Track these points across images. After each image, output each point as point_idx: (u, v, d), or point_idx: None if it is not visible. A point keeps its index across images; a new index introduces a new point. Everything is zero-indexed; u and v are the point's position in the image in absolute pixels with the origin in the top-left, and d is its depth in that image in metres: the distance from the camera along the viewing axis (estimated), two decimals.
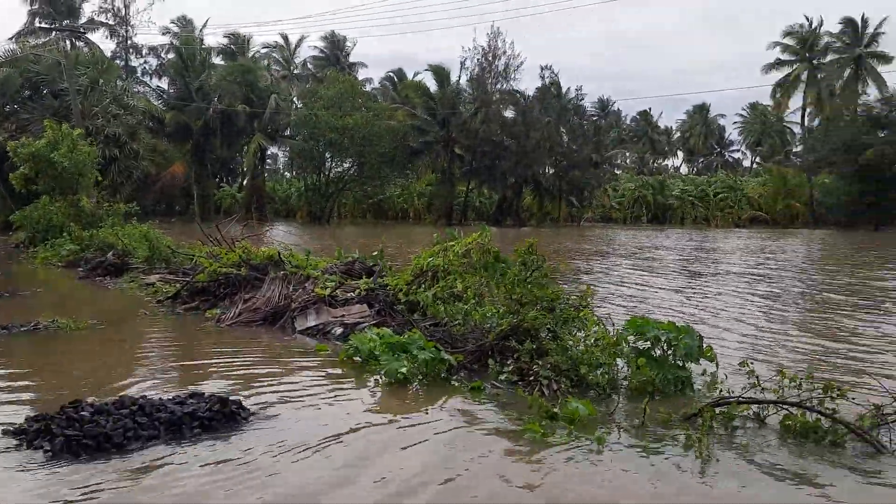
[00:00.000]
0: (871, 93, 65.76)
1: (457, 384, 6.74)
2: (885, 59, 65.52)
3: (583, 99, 60.57)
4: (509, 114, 58.72)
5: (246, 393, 6.34)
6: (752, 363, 6.23)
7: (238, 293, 11.03)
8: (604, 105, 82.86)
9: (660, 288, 15.77)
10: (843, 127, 61.84)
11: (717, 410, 5.63)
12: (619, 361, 6.86)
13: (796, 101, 71.60)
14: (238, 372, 7.29)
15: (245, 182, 62.02)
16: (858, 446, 5.18)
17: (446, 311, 8.77)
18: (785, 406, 5.60)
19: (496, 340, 7.35)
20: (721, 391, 6.14)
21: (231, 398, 5.75)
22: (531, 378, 6.51)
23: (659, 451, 5.09)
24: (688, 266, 22.23)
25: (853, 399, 5.51)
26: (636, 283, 16.41)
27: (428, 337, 7.62)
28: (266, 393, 6.42)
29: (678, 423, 5.62)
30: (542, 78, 58.65)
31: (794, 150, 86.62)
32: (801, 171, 68.06)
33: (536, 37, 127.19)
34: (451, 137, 57.52)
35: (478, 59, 57.20)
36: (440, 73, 59.16)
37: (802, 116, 72.03)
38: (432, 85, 60.19)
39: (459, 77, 58.82)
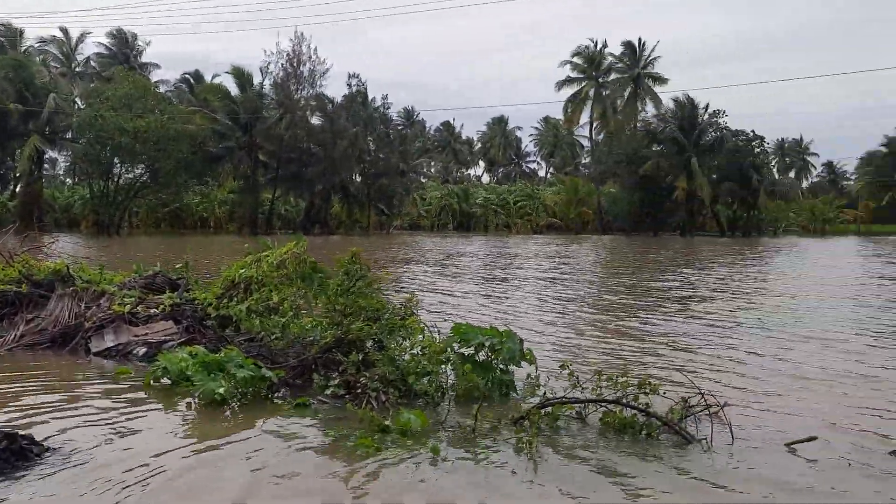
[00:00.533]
0: (649, 110, 72.86)
1: (280, 402, 6.39)
2: (660, 80, 72.91)
3: (389, 108, 61.28)
4: (316, 121, 58.01)
5: (37, 425, 5.56)
6: (571, 364, 6.47)
7: (19, 313, 9.76)
8: (409, 115, 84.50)
9: (463, 294, 16.16)
10: (625, 141, 67.80)
11: (543, 412, 5.78)
12: (445, 368, 6.85)
13: (585, 115, 77.56)
14: (25, 402, 6.39)
15: (19, 189, 55.94)
16: (671, 438, 5.53)
17: (262, 324, 8.33)
18: (604, 404, 5.87)
19: (319, 353, 7.07)
20: (545, 393, 6.32)
21: (20, 433, 4.99)
22: (359, 391, 6.31)
23: (492, 455, 5.11)
24: (490, 271, 23.12)
25: (664, 394, 5.88)
26: (439, 290, 16.72)
27: (245, 353, 7.17)
28: (61, 424, 5.67)
29: (507, 426, 5.69)
30: (350, 86, 58.68)
31: (582, 161, 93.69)
32: (590, 181, 73.69)
33: (343, 45, 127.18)
34: (254, 143, 55.72)
35: (282, 64, 55.98)
36: (242, 76, 57.17)
37: (590, 130, 78.19)
38: (233, 88, 57.98)
39: (263, 81, 57.15)
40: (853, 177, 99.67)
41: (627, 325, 11.72)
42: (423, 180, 76.39)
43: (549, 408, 5.84)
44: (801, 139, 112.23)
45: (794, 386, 7.49)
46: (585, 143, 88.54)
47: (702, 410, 5.78)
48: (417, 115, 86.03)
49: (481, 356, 6.88)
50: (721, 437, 5.44)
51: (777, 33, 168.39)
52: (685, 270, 24.14)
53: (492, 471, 4.86)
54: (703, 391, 5.92)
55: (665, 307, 14.18)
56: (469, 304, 14.23)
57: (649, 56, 73.30)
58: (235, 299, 9.32)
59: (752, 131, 69.11)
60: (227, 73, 58.58)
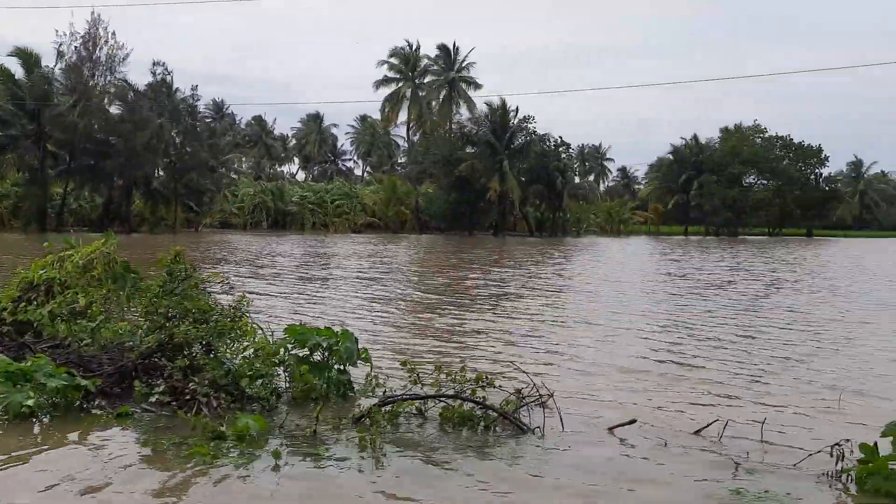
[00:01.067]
0: (464, 113, 75.28)
1: (99, 413, 5.88)
2: (475, 84, 75.54)
3: (198, 100, 58.34)
4: (115, 109, 53.97)
5: None
6: (409, 362, 6.52)
7: None
8: (218, 108, 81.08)
9: (280, 295, 15.72)
10: (442, 143, 69.58)
11: (384, 410, 5.78)
12: (280, 370, 6.66)
13: (403, 115, 78.70)
14: None
15: None
16: (508, 428, 5.75)
17: (69, 330, 7.64)
18: (443, 399, 5.98)
19: (140, 359, 6.60)
20: (384, 391, 6.32)
21: None
22: (188, 397, 5.96)
23: (335, 456, 5.03)
24: (308, 271, 22.77)
25: (499, 387, 6.11)
26: (255, 292, 16.03)
27: (54, 360, 6.51)
28: None
29: (349, 426, 5.64)
30: (154, 74, 55.11)
31: (399, 161, 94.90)
32: (407, 181, 74.86)
33: (148, 31, 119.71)
34: (43, 131, 50.75)
35: (75, 47, 51.49)
36: (27, 57, 51.83)
37: (407, 131, 79.40)
38: (18, 72, 52.41)
39: (55, 64, 52.20)
40: (643, 181, 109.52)
41: (447, 323, 12.01)
42: (235, 176, 73.57)
43: (390, 405, 5.86)
44: (600, 145, 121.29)
45: (611, 374, 8.08)
46: (402, 142, 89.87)
47: (534, 401, 6.07)
48: (227, 109, 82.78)
49: (317, 357, 6.77)
50: (552, 425, 5.74)
51: (587, 45, 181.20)
52: (497, 269, 25.23)
53: (337, 472, 4.79)
54: (535, 383, 6.21)
55: (481, 304, 14.68)
56: (286, 305, 13.87)
57: (464, 60, 75.88)
58: (35, 303, 8.46)
59: (560, 137, 73.87)
60: (9, 55, 52.76)
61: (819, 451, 4.95)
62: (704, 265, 29.55)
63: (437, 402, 6.04)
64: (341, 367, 6.73)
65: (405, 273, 23.40)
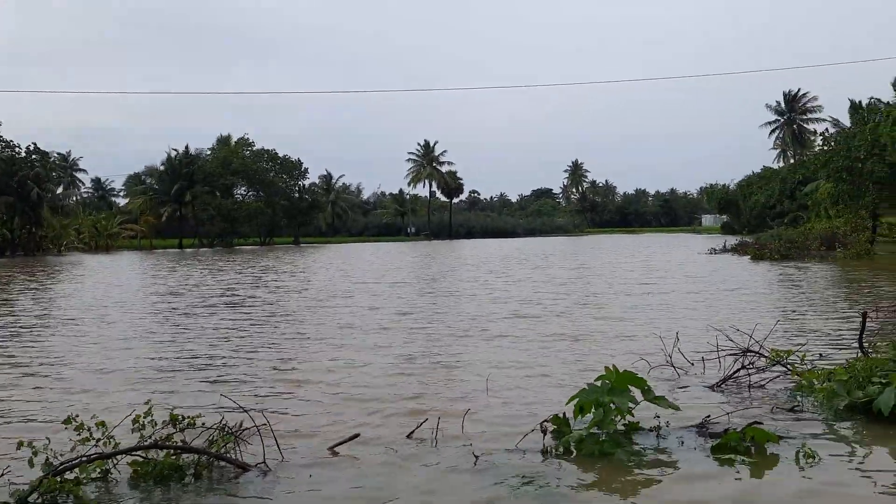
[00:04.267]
0: None
1: None
2: None
3: None
4: None
5: None
6: (77, 417, 5.07)
7: None
8: None
9: None
10: None
11: (60, 480, 4.45)
12: None
13: None
14: None
15: None
16: (226, 469, 4.97)
17: None
18: (135, 453, 4.86)
19: None
20: (48, 458, 4.81)
21: None
22: None
23: None
24: None
25: (204, 424, 5.22)
26: None
27: None
28: None
29: None
30: None
31: None
32: None
33: None
34: None
35: None
36: None
37: None
38: None
39: None
40: (122, 193, 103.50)
41: None
42: None
43: (66, 473, 4.53)
44: (69, 154, 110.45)
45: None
46: None
47: (241, 433, 5.34)
48: None
49: None
50: (273, 455, 5.17)
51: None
52: None
53: None
54: (249, 413, 5.49)
55: None
56: None
57: None
58: None
59: (34, 144, 65.62)
60: None
61: (533, 430, 5.50)
62: (209, 279, 27.87)
63: (116, 460, 4.88)
64: None
65: None
